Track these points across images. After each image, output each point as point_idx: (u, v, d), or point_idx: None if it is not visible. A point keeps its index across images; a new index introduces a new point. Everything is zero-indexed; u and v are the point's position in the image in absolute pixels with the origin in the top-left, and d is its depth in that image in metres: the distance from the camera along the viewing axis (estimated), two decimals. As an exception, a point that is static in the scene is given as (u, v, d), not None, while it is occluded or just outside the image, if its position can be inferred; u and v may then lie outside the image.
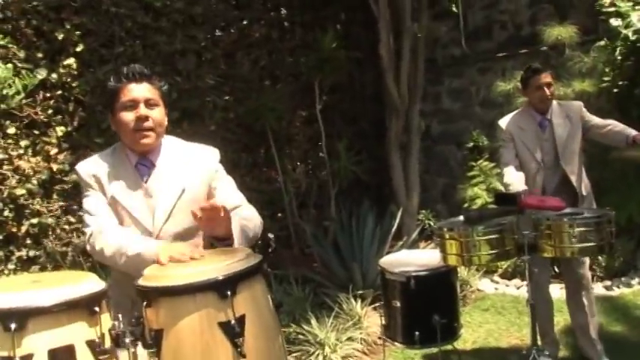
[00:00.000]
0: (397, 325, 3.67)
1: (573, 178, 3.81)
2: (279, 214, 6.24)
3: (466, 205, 6.15)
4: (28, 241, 4.37)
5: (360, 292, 5.02)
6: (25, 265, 4.34)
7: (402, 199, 6.60)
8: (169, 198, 2.30)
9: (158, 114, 2.32)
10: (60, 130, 4.52)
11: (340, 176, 6.51)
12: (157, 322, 1.79)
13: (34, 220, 4.37)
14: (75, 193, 4.59)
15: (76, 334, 1.69)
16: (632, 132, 3.68)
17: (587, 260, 3.94)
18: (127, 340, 1.82)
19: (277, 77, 6.28)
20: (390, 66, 6.50)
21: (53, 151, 4.48)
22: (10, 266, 4.28)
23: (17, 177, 4.30)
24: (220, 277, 1.77)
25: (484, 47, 7.31)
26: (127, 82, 2.28)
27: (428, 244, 6.20)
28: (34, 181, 4.36)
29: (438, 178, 7.74)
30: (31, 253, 4.36)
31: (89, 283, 1.79)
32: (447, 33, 7.52)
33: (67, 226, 4.55)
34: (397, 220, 5.98)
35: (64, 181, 4.55)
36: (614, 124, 3.82)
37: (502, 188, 5.64)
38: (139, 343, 1.83)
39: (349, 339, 4.49)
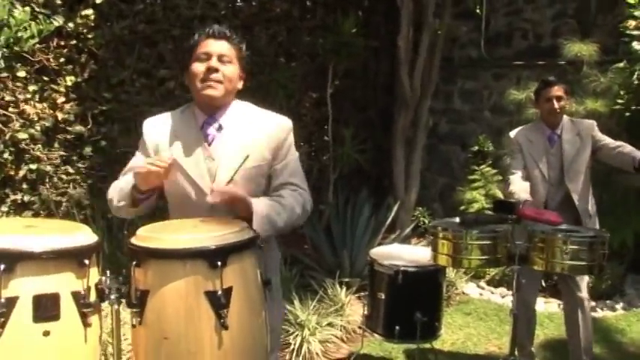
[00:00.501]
0: (379, 317, 3.70)
1: (575, 197, 3.79)
2: (277, 192, 6.20)
3: (463, 207, 6.14)
4: (25, 186, 4.38)
5: (346, 279, 5.03)
6: (19, 209, 4.35)
7: (400, 193, 6.60)
8: (232, 162, 2.25)
9: (230, 70, 2.29)
10: (69, 80, 4.52)
11: (342, 162, 6.50)
12: (144, 282, 1.80)
13: (33, 166, 4.38)
14: (76, 144, 4.60)
15: (63, 283, 1.70)
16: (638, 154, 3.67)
17: (584, 282, 3.94)
18: (112, 297, 1.84)
19: (293, 55, 6.24)
20: (406, 59, 6.47)
21: (60, 99, 4.48)
22: (4, 208, 4.30)
23: (21, 121, 4.31)
24: (212, 247, 1.77)
25: (502, 53, 7.27)
26: (206, 38, 2.29)
27: (420, 240, 6.21)
28: (38, 127, 4.36)
29: (439, 177, 7.73)
30: (26, 198, 4.37)
31: (81, 235, 1.80)
32: (467, 34, 7.47)
33: (64, 176, 4.55)
34: (393, 213, 5.99)
35: (68, 130, 4.55)
36: (624, 146, 3.80)
37: (501, 195, 5.68)
38: (123, 301, 1.84)
39: (329, 324, 4.51)
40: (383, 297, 3.64)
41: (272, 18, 5.98)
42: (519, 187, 3.76)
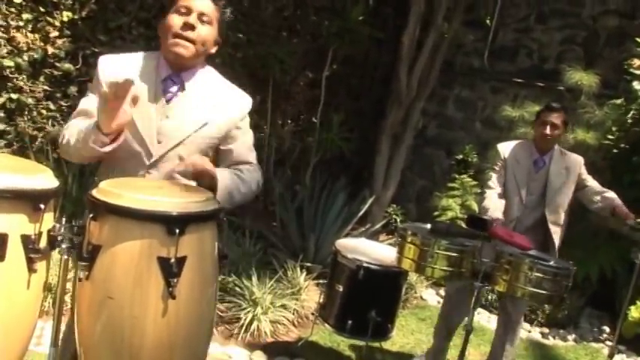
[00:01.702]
0: (333, 308, 3.68)
1: (553, 229, 3.81)
2: (254, 164, 6.17)
3: (437, 213, 6.15)
4: (1, 114, 4.28)
5: (308, 264, 5.02)
6: None
7: (377, 187, 6.60)
8: (188, 126, 2.18)
9: (206, 32, 2.19)
10: (66, 15, 4.41)
11: (325, 147, 6.47)
12: (98, 237, 1.74)
13: (14, 96, 4.28)
14: (62, 81, 4.52)
15: (14, 225, 1.64)
16: (619, 202, 3.69)
17: (523, 307, 3.98)
18: (64, 246, 1.79)
19: (296, 32, 6.18)
20: (407, 56, 6.45)
21: (54, 33, 4.38)
22: None
23: (10, 48, 4.20)
24: (174, 213, 1.72)
25: (504, 68, 7.25)
26: None
27: (388, 238, 6.21)
28: (25, 57, 4.27)
29: (419, 178, 7.72)
30: (1, 127, 4.28)
31: (42, 179, 1.73)
32: (473, 42, 7.43)
33: (44, 112, 4.47)
34: (366, 206, 5.97)
35: (56, 67, 4.46)
36: (607, 192, 3.82)
37: (476, 208, 5.68)
38: (73, 253, 1.79)
39: (283, 306, 4.51)
40: (341, 289, 3.62)
41: (282, -9, 5.90)
42: (494, 205, 3.77)
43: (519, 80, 7.03)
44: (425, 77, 6.66)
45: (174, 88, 2.22)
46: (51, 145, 4.40)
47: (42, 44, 4.35)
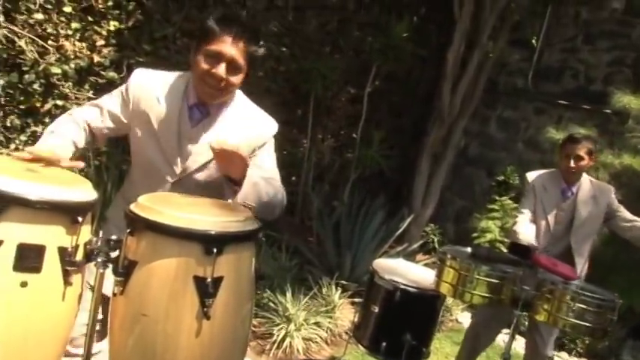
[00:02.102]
0: (368, 329, 3.60)
1: (578, 261, 3.71)
2: (293, 178, 6.17)
3: (476, 234, 6.04)
4: (47, 120, 4.34)
5: (343, 282, 4.96)
6: (37, 141, 4.29)
7: (416, 206, 6.53)
8: (209, 150, 2.11)
9: (236, 79, 2.15)
10: (113, 25, 4.47)
11: (365, 163, 6.44)
12: (135, 253, 1.73)
13: (60, 102, 4.34)
14: (107, 89, 4.55)
15: (51, 236, 1.63)
16: None
17: (552, 338, 3.88)
18: (99, 260, 1.77)
19: (339, 47, 6.17)
20: (451, 74, 6.38)
21: (100, 42, 4.44)
22: (23, 137, 4.28)
23: (58, 55, 4.26)
24: (212, 232, 1.70)
25: (549, 89, 7.11)
26: (225, 33, 2.09)
27: (426, 258, 6.12)
28: (72, 65, 4.32)
29: (458, 198, 7.62)
30: (46, 132, 4.33)
31: (80, 191, 1.72)
32: (517, 62, 7.33)
33: None
34: (404, 225, 5.90)
35: (101, 75, 4.51)
36: (638, 221, 3.72)
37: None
38: (110, 267, 1.77)
39: (316, 323, 4.45)
40: (376, 310, 3.53)
41: (326, 6, 5.91)
42: (527, 231, 3.73)
43: (564, 102, 6.89)
44: (468, 96, 6.58)
45: (199, 116, 2.23)
46: (92, 152, 4.43)
47: (88, 53, 4.41)
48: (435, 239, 6.73)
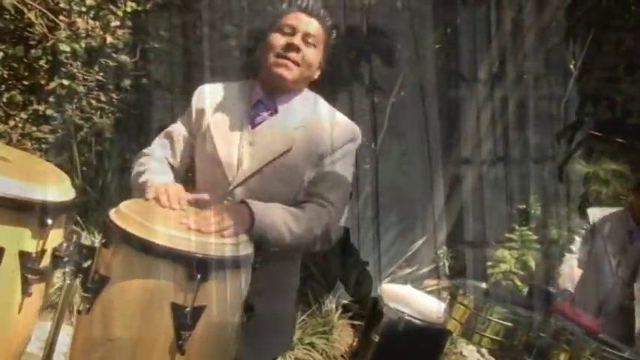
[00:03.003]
0: (365, 358, 3.42)
1: (638, 310, 3.43)
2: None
3: (490, 264, 5.83)
4: (51, 99, 4.21)
5: (345, 301, 4.83)
6: (38, 120, 4.19)
7: (430, 227, 6.33)
8: (267, 152, 1.95)
9: (312, 54, 1.98)
10: (130, 6, 4.35)
11: (381, 176, 6.25)
12: (107, 268, 1.51)
13: (66, 82, 4.20)
14: (117, 73, 4.43)
15: (12, 239, 1.42)
16: None
17: None
18: (67, 269, 1.55)
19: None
20: (481, 91, 6.20)
21: (115, 23, 4.31)
22: (23, 115, 4.16)
23: (69, 32, 4.09)
24: (197, 255, 1.46)
25: (582, 117, 6.85)
26: (297, 10, 1.99)
27: (434, 284, 5.91)
28: (83, 44, 4.17)
29: (475, 223, 7.38)
30: (49, 112, 4.23)
31: (55, 189, 1.50)
32: (552, 86, 7.13)
33: (94, 102, 4.44)
34: (416, 247, 5.70)
35: (112, 57, 4.37)
36: None
37: (532, 265, 5.35)
38: (78, 280, 1.55)
39: (311, 344, 4.29)
40: (377, 339, 3.34)
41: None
42: (569, 274, 3.48)
43: (597, 133, 6.62)
44: (496, 116, 6.39)
45: (264, 112, 2.02)
46: (95, 136, 4.29)
47: (101, 33, 4.28)
48: (447, 264, 6.50)
